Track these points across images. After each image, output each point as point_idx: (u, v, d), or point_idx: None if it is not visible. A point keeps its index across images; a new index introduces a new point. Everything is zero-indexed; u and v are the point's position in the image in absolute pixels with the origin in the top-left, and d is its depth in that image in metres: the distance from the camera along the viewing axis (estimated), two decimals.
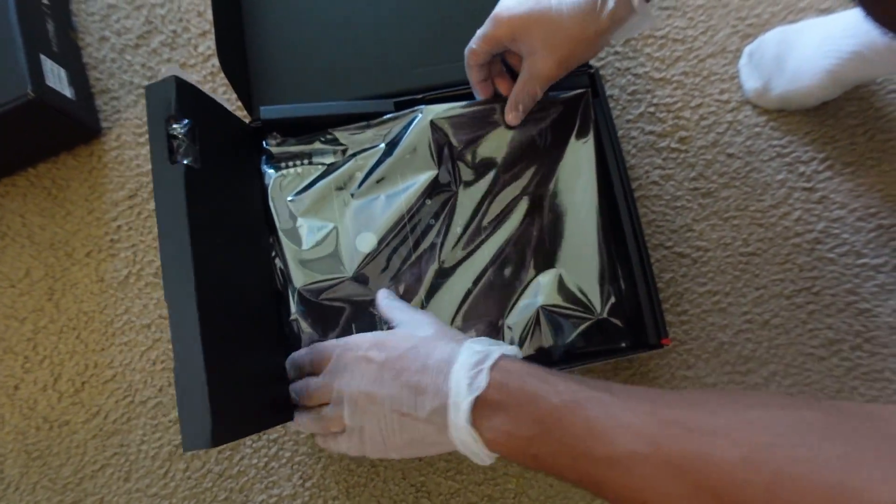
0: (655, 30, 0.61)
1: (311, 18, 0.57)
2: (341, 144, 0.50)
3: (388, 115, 0.51)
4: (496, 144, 0.50)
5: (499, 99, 0.50)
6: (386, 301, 0.45)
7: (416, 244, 0.49)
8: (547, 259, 0.50)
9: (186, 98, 0.40)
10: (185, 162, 0.38)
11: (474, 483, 0.53)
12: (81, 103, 0.58)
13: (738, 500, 0.26)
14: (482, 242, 0.50)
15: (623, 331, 0.50)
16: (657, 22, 0.61)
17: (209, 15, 0.62)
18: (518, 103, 0.47)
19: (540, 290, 0.49)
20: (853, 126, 0.59)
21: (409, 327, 0.40)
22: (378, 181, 0.50)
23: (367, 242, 0.49)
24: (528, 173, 0.50)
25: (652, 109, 0.60)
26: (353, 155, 0.50)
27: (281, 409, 0.42)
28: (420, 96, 0.52)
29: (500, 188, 0.50)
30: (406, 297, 0.49)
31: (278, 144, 0.50)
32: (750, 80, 0.59)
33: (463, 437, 0.33)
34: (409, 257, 0.49)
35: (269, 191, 0.49)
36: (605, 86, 0.60)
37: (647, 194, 0.58)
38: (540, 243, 0.50)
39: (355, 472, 0.54)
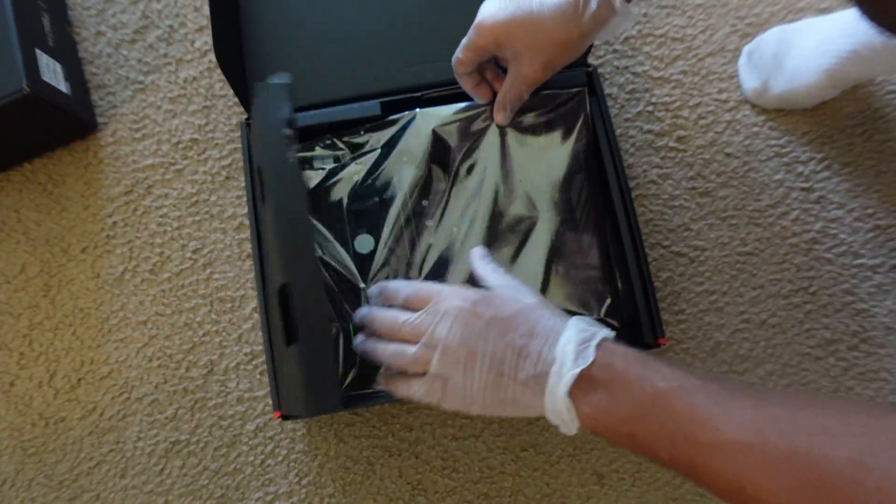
0: (654, 28, 0.61)
1: (308, 16, 0.57)
2: (340, 149, 0.51)
3: (388, 118, 0.51)
4: (492, 144, 0.50)
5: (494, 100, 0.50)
6: (482, 261, 0.44)
7: (414, 245, 0.49)
8: (543, 258, 0.50)
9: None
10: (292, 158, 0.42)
11: (471, 481, 0.54)
12: (77, 98, 0.58)
13: (846, 499, 0.27)
14: (475, 243, 0.49)
15: (620, 330, 0.50)
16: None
17: (206, 10, 0.62)
18: (506, 104, 0.48)
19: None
20: (851, 126, 0.59)
21: (510, 291, 0.40)
22: (375, 184, 0.50)
23: (365, 244, 0.49)
24: (525, 172, 0.50)
25: (650, 108, 0.60)
26: (353, 159, 0.50)
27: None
28: (417, 95, 0.52)
29: (496, 188, 0.50)
30: None
31: None
32: (749, 80, 0.59)
33: (558, 405, 0.35)
34: (406, 258, 0.49)
35: None
36: (604, 84, 0.60)
37: (644, 193, 0.58)
38: (536, 242, 0.50)
39: (351, 470, 0.54)
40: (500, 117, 0.49)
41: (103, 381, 0.56)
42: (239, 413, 0.55)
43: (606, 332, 0.36)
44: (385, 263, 0.49)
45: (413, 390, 0.39)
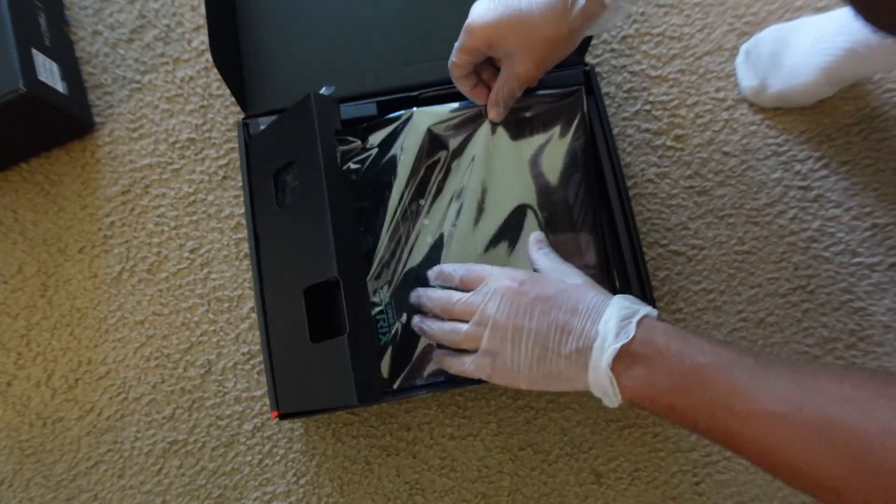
0: (652, 27, 0.61)
1: (304, 15, 0.57)
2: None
3: (385, 118, 0.51)
4: (488, 143, 0.50)
5: None
6: (535, 246, 0.47)
7: (411, 243, 0.49)
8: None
9: None
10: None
11: (468, 480, 0.54)
12: (74, 98, 0.58)
13: (878, 467, 0.28)
14: (473, 242, 0.49)
15: None
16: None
17: (203, 9, 0.61)
18: (498, 101, 0.48)
19: None
20: (849, 125, 0.59)
21: (557, 273, 0.43)
22: (372, 182, 0.50)
23: (363, 243, 0.49)
24: (520, 171, 0.50)
25: (648, 107, 0.60)
26: (350, 158, 0.50)
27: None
28: (413, 94, 0.52)
29: (491, 186, 0.50)
30: (402, 295, 0.49)
31: None
32: (746, 78, 0.59)
33: (601, 379, 0.36)
34: (405, 257, 0.49)
35: None
36: (601, 83, 0.60)
37: (642, 192, 0.58)
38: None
39: (349, 469, 0.54)
40: (493, 113, 0.49)
41: (101, 381, 0.56)
42: (237, 413, 0.55)
43: (649, 310, 0.38)
44: (382, 262, 0.49)
45: (465, 366, 0.42)
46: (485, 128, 0.50)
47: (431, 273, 0.46)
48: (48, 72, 0.55)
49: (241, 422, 0.55)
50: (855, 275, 0.56)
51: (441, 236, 0.49)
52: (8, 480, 0.55)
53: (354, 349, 0.41)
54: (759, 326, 0.56)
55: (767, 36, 0.58)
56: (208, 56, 0.61)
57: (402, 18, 0.56)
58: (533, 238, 0.48)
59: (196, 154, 0.59)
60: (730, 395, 0.33)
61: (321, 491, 0.54)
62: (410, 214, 0.49)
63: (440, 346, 0.46)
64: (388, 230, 0.49)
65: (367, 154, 0.50)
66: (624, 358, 0.36)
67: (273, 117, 0.52)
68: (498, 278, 0.41)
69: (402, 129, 0.50)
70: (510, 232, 0.50)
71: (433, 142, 0.50)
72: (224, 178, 0.59)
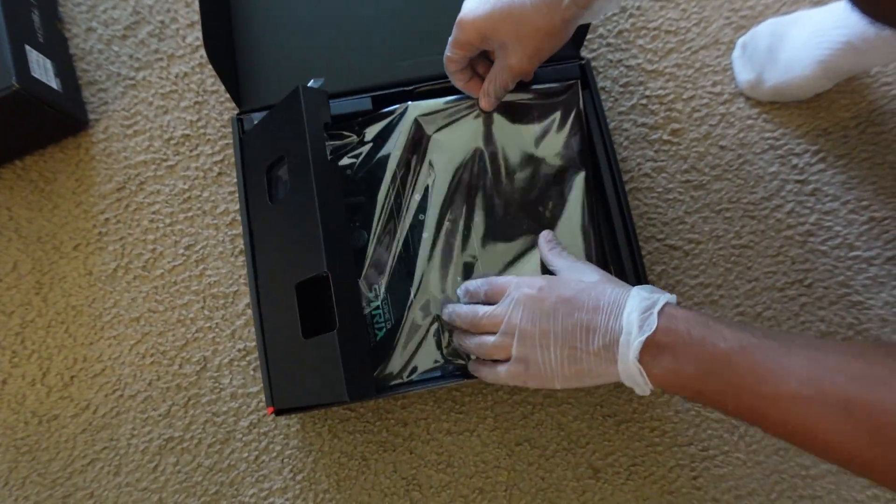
0: (648, 21, 0.61)
1: (298, 10, 0.57)
2: (332, 141, 0.50)
3: (380, 112, 0.50)
4: (481, 137, 0.50)
5: None
6: (547, 246, 0.48)
7: (405, 239, 0.49)
8: (534, 250, 0.49)
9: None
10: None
11: (465, 476, 0.53)
12: (68, 95, 0.58)
13: None
14: (470, 236, 0.49)
15: None
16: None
17: (197, 5, 0.61)
18: (490, 92, 0.48)
19: None
20: (846, 119, 0.59)
21: (574, 273, 0.44)
22: (368, 178, 0.50)
23: (358, 238, 0.49)
24: (516, 165, 0.50)
25: (644, 101, 0.60)
26: (345, 153, 0.50)
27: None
28: (408, 88, 0.52)
29: (485, 181, 0.50)
30: (397, 289, 0.48)
31: None
32: (743, 72, 0.59)
33: (630, 371, 0.38)
34: (398, 252, 0.49)
35: None
36: (597, 77, 0.60)
37: (638, 186, 0.58)
38: (527, 234, 0.50)
39: (346, 465, 0.54)
40: (485, 102, 0.49)
41: (96, 378, 0.56)
42: (233, 409, 0.55)
43: (668, 298, 0.39)
44: (377, 258, 0.49)
45: (499, 375, 0.43)
46: (482, 124, 0.50)
47: (459, 292, 0.47)
48: (42, 68, 0.55)
49: (237, 418, 0.55)
50: (852, 268, 0.56)
51: (437, 231, 0.49)
52: (3, 479, 0.54)
53: (344, 345, 0.41)
54: (756, 320, 0.56)
55: (764, 30, 0.58)
56: (203, 52, 0.61)
57: (397, 13, 0.56)
58: (543, 238, 0.48)
59: (191, 150, 0.59)
60: (754, 379, 0.34)
61: (318, 487, 0.53)
62: (402, 208, 0.49)
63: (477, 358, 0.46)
64: (381, 225, 0.49)
65: (361, 149, 0.50)
66: (650, 348, 0.37)
67: (266, 112, 0.52)
68: (518, 287, 0.42)
69: (397, 123, 0.50)
70: (508, 228, 0.50)
71: (427, 137, 0.49)
72: (219, 174, 0.59)
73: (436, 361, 0.48)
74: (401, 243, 0.49)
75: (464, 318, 0.45)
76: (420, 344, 0.48)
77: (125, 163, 0.59)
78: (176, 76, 0.61)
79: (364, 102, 0.51)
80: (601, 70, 0.60)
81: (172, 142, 0.59)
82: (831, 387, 0.32)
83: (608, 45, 0.61)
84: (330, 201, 0.44)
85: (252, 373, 0.55)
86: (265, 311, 0.49)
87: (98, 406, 0.55)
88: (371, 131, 0.50)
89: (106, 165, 0.59)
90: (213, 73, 0.58)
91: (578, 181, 0.50)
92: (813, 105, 0.59)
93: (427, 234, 0.49)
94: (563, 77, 0.52)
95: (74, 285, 0.57)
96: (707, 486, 0.53)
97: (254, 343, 0.55)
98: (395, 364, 0.48)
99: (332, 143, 0.50)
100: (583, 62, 0.53)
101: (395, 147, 0.49)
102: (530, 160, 0.50)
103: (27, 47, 0.54)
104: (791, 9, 0.61)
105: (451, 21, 0.45)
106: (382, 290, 0.49)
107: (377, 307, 0.48)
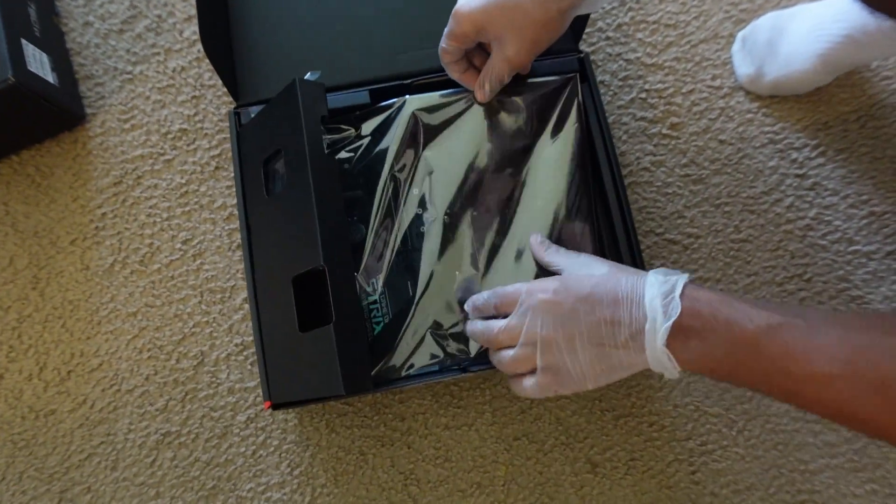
0: (647, 15, 0.61)
1: (296, 4, 0.56)
2: (330, 135, 0.50)
3: (377, 106, 0.50)
4: (480, 130, 0.50)
5: None
6: (541, 246, 0.47)
7: (404, 233, 0.49)
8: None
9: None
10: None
11: (463, 470, 0.53)
12: (65, 89, 0.57)
13: None
14: (469, 230, 0.49)
15: None
16: None
17: None
18: (485, 83, 0.47)
19: (526, 276, 0.48)
20: (846, 113, 0.58)
21: (581, 268, 0.42)
22: (365, 171, 0.49)
23: (356, 232, 0.49)
24: (515, 159, 0.50)
25: (643, 95, 0.59)
26: (342, 147, 0.50)
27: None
28: (406, 82, 0.51)
29: (484, 175, 0.50)
30: (395, 284, 0.48)
31: None
32: (742, 66, 0.59)
33: (659, 358, 0.37)
34: (396, 246, 0.49)
35: None
36: (596, 71, 0.60)
37: (637, 181, 0.58)
38: (526, 228, 0.49)
39: (343, 460, 0.54)
40: (480, 94, 0.48)
41: (93, 373, 0.55)
42: (230, 404, 0.55)
43: (685, 278, 0.38)
44: (375, 252, 0.48)
45: (527, 390, 0.41)
46: (479, 117, 0.50)
47: (467, 306, 0.46)
48: (38, 62, 0.55)
49: (234, 413, 0.54)
50: (852, 263, 0.56)
51: (436, 226, 0.49)
52: (1, 474, 0.54)
53: (341, 338, 0.41)
54: None
55: (764, 23, 0.58)
56: (200, 46, 0.61)
57: (394, 7, 0.56)
58: (534, 241, 0.47)
59: (188, 145, 0.59)
60: (784, 360, 0.34)
61: (315, 482, 0.53)
62: (400, 203, 0.49)
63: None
64: (379, 219, 0.49)
65: (359, 143, 0.50)
66: (677, 333, 0.36)
67: (263, 106, 0.52)
68: (531, 294, 0.40)
69: (394, 117, 0.49)
70: (506, 224, 0.49)
71: (424, 130, 0.49)
72: (216, 168, 0.58)
73: (434, 357, 0.48)
74: (399, 238, 0.49)
75: (480, 336, 0.44)
76: (419, 340, 0.48)
77: (122, 157, 0.59)
78: (173, 70, 0.60)
79: (361, 96, 0.51)
80: (600, 64, 0.60)
81: (169, 136, 0.59)
82: (863, 364, 0.32)
83: (607, 38, 0.61)
84: (327, 194, 0.44)
85: (249, 367, 0.55)
86: (262, 306, 0.48)
87: (95, 401, 0.55)
88: (369, 125, 0.50)
89: (103, 160, 0.59)
90: (210, 67, 0.58)
91: (577, 173, 0.50)
92: (813, 99, 0.59)
93: (426, 229, 0.49)
94: (561, 70, 0.51)
95: (71, 280, 0.57)
96: (705, 480, 0.53)
97: (251, 338, 0.55)
98: (394, 359, 0.48)
99: (329, 136, 0.50)
100: (581, 55, 0.52)
101: (392, 141, 0.49)
102: (528, 154, 0.50)
103: (23, 41, 0.54)
104: (791, 2, 0.60)
105: (448, 14, 0.45)
106: (380, 284, 0.48)
107: (375, 301, 0.48)
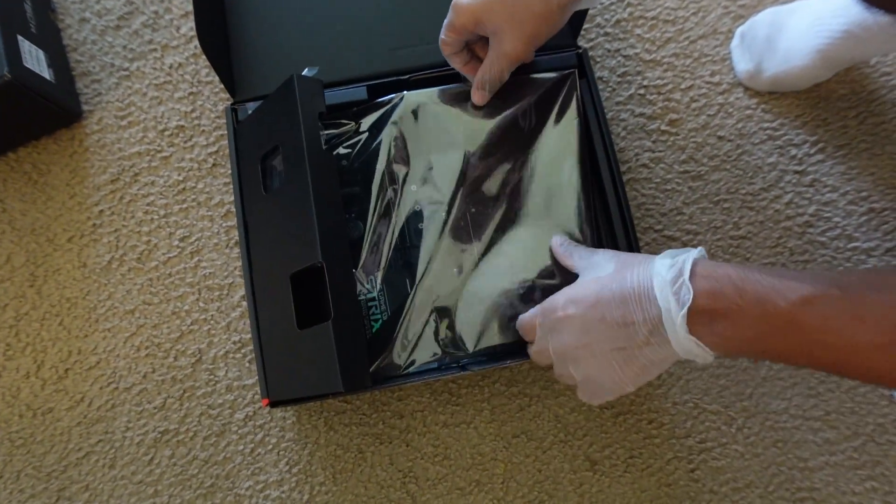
0: (646, 11, 0.61)
1: (292, 1, 0.56)
2: (327, 131, 0.50)
3: (375, 101, 0.50)
4: (478, 127, 0.49)
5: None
6: (563, 248, 0.47)
7: (402, 230, 0.49)
8: (538, 241, 0.49)
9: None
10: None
11: (462, 468, 0.53)
12: (61, 86, 0.57)
13: None
14: (466, 227, 0.49)
15: None
16: None
17: None
18: (484, 83, 0.47)
19: (524, 274, 0.48)
20: (845, 109, 0.58)
21: (591, 272, 0.42)
22: (363, 168, 0.49)
23: (354, 229, 0.48)
24: (513, 155, 0.50)
25: (642, 91, 0.59)
26: (340, 143, 0.49)
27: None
28: (404, 77, 0.51)
29: (482, 171, 0.49)
30: (393, 281, 0.48)
31: None
32: (741, 62, 0.58)
33: (686, 346, 0.35)
34: (394, 243, 0.48)
35: None
36: (595, 67, 0.59)
37: (636, 177, 0.58)
38: (524, 226, 0.49)
39: (342, 458, 0.53)
40: (478, 97, 0.48)
41: (91, 371, 0.55)
42: (228, 402, 0.54)
43: (694, 255, 0.36)
44: (374, 249, 0.48)
45: (585, 399, 0.42)
46: (475, 110, 0.49)
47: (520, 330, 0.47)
48: (34, 59, 0.54)
49: (232, 411, 0.54)
50: (851, 260, 0.56)
51: (434, 223, 0.49)
52: None
53: (339, 335, 0.41)
54: None
55: (763, 19, 0.58)
56: (197, 42, 0.60)
57: (392, 3, 0.56)
58: (555, 244, 0.48)
59: (185, 141, 0.59)
60: (825, 334, 0.32)
61: (314, 479, 0.53)
62: (398, 200, 0.49)
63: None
64: (377, 216, 0.49)
65: (357, 139, 0.50)
66: (699, 317, 0.35)
67: (261, 102, 0.52)
68: (545, 315, 0.41)
69: (392, 112, 0.49)
70: (505, 222, 0.49)
71: (414, 124, 0.49)
72: (214, 165, 0.58)
73: (434, 354, 0.48)
74: (397, 234, 0.49)
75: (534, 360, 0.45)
76: (419, 337, 0.48)
77: (119, 154, 0.59)
78: (170, 67, 0.60)
79: (359, 92, 0.51)
80: (599, 60, 0.60)
81: (167, 133, 0.59)
82: None
83: (606, 34, 0.60)
84: (325, 191, 0.44)
85: (248, 365, 0.55)
86: (260, 303, 0.48)
87: (93, 399, 0.55)
88: (367, 121, 0.50)
89: (100, 157, 0.59)
90: (207, 63, 0.58)
91: (576, 170, 0.50)
92: (812, 95, 0.58)
93: (424, 226, 0.48)
94: (560, 66, 0.51)
95: (69, 277, 0.57)
96: (704, 478, 0.53)
97: (249, 335, 0.55)
98: (393, 356, 0.47)
99: (327, 132, 0.50)
100: (580, 51, 0.52)
101: (390, 137, 0.49)
102: (527, 150, 0.50)
103: (19, 38, 0.53)
104: None
105: (445, 8, 0.45)
106: (379, 281, 0.48)
107: (373, 298, 0.48)
